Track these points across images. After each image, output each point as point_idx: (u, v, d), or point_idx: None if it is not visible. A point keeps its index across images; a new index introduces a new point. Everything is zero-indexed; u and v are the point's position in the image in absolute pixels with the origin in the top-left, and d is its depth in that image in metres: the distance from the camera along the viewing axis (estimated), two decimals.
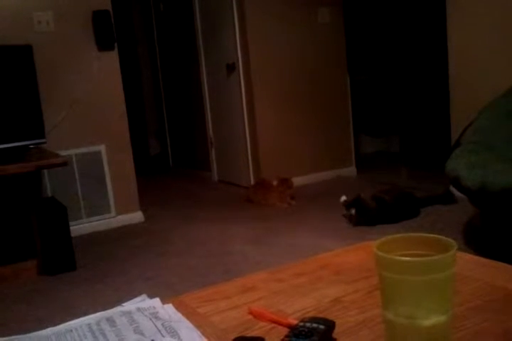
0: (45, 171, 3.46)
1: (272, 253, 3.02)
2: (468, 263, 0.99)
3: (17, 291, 2.76)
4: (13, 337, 0.80)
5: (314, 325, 0.75)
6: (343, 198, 3.49)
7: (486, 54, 3.52)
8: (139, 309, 0.87)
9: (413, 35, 5.11)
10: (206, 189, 4.74)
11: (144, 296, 0.93)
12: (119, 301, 0.92)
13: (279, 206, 3.97)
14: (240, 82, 4.44)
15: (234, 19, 4.35)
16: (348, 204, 3.39)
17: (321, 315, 0.81)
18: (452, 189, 3.55)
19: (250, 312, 0.86)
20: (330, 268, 1.02)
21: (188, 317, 0.84)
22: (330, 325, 0.76)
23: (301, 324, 0.76)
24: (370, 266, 0.98)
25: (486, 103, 3.10)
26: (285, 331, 0.77)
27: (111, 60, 3.68)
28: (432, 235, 0.71)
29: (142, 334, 0.79)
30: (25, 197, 3.04)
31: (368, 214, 3.32)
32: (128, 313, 0.86)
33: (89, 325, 0.83)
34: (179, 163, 5.71)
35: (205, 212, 3.97)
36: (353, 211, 3.35)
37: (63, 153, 3.37)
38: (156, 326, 0.81)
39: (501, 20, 3.41)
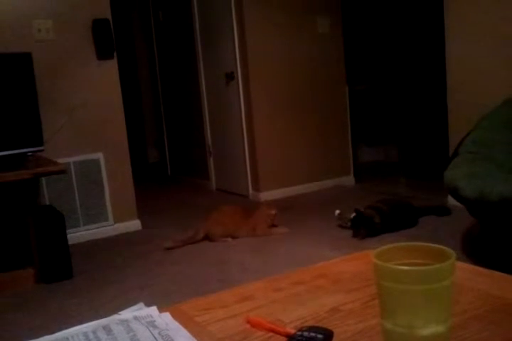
0: (43, 179, 3.45)
1: (270, 262, 3.01)
2: (466, 273, 0.99)
3: (13, 299, 2.74)
4: None
5: (312, 334, 0.74)
6: (337, 212, 3.53)
7: (485, 64, 3.54)
8: (135, 317, 0.87)
9: (411, 45, 5.14)
10: (204, 197, 4.73)
11: (141, 304, 0.92)
12: (115, 309, 0.91)
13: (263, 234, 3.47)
14: (238, 92, 4.45)
15: (233, 28, 4.36)
16: (353, 223, 3.33)
17: (319, 324, 0.80)
18: (449, 201, 3.55)
19: (248, 322, 0.85)
20: (328, 277, 1.02)
21: (185, 326, 0.84)
22: (328, 334, 0.76)
23: (299, 333, 0.75)
24: (368, 275, 0.98)
25: (484, 113, 3.11)
26: (283, 340, 0.76)
27: (110, 69, 3.69)
28: (430, 244, 0.71)
29: None
30: (23, 205, 3.04)
31: (375, 228, 3.29)
32: (125, 321, 0.85)
33: (85, 334, 0.83)
34: (177, 172, 5.70)
35: (203, 221, 3.95)
36: (361, 230, 3.29)
37: (61, 160, 3.36)
38: (152, 335, 0.80)
39: (499, 31, 3.43)
